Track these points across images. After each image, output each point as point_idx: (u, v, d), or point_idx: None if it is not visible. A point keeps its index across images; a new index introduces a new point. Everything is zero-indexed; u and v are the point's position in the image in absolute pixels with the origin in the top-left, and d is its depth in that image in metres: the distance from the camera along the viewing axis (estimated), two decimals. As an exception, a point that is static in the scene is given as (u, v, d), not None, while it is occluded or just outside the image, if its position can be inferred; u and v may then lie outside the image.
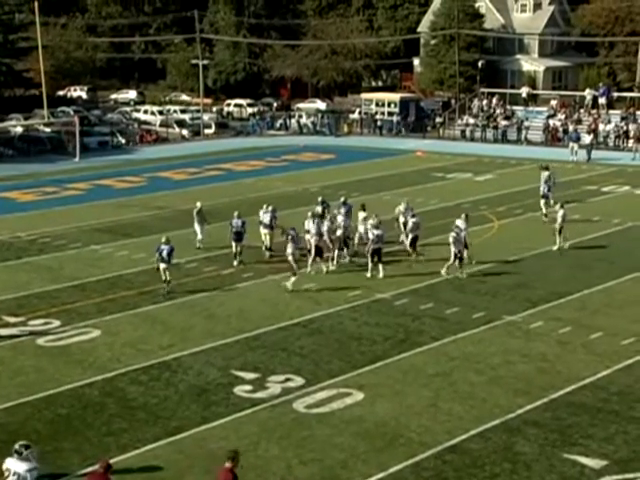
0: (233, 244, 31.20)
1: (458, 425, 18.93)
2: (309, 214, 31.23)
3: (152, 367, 22.25)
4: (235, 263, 31.00)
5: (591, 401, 20.14)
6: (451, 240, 29.06)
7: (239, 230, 31.10)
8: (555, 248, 32.21)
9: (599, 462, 17.40)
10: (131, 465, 17.40)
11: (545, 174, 38.65)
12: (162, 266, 27.69)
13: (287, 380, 21.35)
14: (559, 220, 32.08)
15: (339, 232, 30.76)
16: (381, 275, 28.84)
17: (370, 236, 29.19)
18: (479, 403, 20.07)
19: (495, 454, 17.73)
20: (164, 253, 27.54)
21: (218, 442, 18.26)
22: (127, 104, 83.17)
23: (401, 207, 33.23)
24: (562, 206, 32.62)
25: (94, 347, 23.70)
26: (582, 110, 63.70)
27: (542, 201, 37.28)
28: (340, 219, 31.37)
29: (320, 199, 34.81)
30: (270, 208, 32.33)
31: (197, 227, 33.59)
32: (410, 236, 30.98)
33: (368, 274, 29.09)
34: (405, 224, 32.18)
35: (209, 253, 32.63)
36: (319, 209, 33.15)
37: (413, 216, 31.32)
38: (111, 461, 17.00)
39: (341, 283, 29.07)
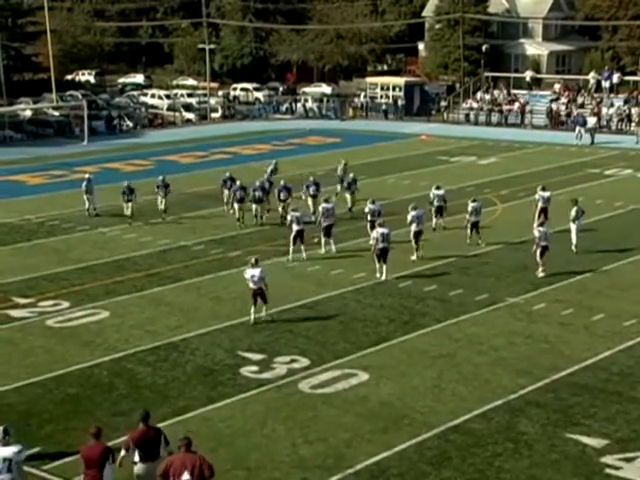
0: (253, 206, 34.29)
1: (461, 405, 18.99)
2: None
3: (159, 348, 22.34)
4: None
5: (593, 382, 20.18)
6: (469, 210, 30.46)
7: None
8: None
9: (600, 441, 17.44)
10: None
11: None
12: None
13: (292, 361, 21.41)
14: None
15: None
16: (383, 277, 27.26)
17: (374, 235, 27.48)
18: (482, 384, 20.12)
19: (498, 434, 17.78)
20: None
21: (225, 421, 18.37)
22: (134, 88, 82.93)
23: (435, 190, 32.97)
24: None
25: (102, 328, 23.80)
26: (585, 94, 63.52)
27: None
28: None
29: (312, 179, 35.80)
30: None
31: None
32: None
33: (377, 275, 27.47)
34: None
35: (215, 236, 32.69)
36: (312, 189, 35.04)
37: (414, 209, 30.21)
38: (120, 440, 17.15)
39: (346, 265, 29.12)
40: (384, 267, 27.20)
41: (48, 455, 15.55)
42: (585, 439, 17.54)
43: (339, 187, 38.53)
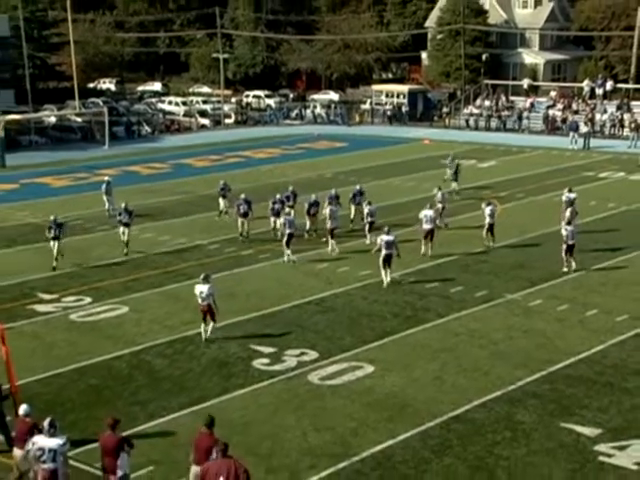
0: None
1: (462, 396, 18.97)
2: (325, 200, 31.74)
3: (176, 341, 22.37)
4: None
5: (587, 374, 20.16)
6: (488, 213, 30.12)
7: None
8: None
9: (594, 430, 17.42)
10: (157, 432, 17.54)
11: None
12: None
13: (302, 354, 21.42)
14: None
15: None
16: (388, 280, 26.52)
17: (378, 241, 26.70)
18: (482, 376, 20.11)
19: (497, 423, 17.77)
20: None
21: (238, 411, 18.38)
22: (152, 95, 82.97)
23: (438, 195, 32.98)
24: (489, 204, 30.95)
25: (122, 323, 23.85)
26: (580, 101, 63.44)
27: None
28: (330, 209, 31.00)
29: (291, 189, 34.45)
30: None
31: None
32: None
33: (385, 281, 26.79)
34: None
35: (228, 236, 32.67)
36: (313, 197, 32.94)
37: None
38: (139, 428, 17.22)
39: (352, 264, 29.11)
40: (388, 272, 26.53)
41: (72, 442, 15.51)
42: (579, 428, 17.51)
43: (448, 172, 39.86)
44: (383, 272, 26.54)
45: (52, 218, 29.20)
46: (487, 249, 30.38)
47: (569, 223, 28.25)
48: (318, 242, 31.13)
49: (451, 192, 38.09)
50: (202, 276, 22.43)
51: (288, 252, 29.03)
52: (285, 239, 29.03)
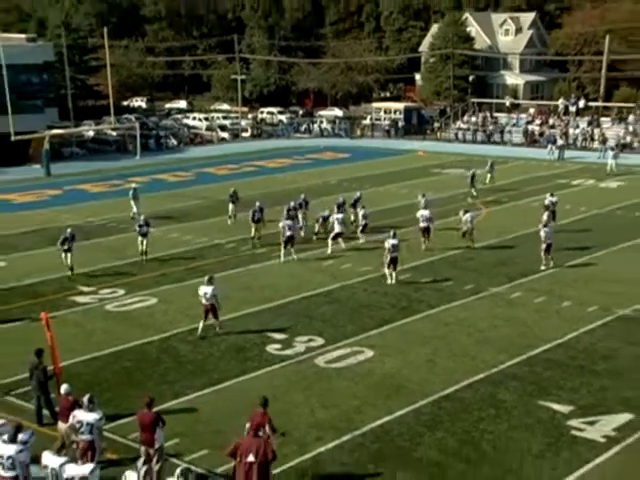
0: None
1: (451, 378, 18.97)
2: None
3: (198, 329, 22.37)
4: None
5: (561, 358, 20.13)
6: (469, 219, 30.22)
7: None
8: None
9: (567, 407, 17.42)
10: (182, 408, 17.58)
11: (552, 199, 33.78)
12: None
13: (310, 340, 21.42)
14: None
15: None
16: (393, 281, 26.06)
17: (387, 245, 26.22)
18: (469, 360, 20.09)
19: (482, 402, 17.76)
20: None
21: (253, 390, 18.38)
22: (178, 112, 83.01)
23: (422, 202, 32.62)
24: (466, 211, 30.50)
25: (152, 312, 23.86)
26: (555, 117, 63.34)
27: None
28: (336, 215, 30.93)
29: (303, 196, 34.07)
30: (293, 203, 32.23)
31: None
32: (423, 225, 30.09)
33: (389, 281, 26.18)
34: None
35: (244, 235, 32.56)
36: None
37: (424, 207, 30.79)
38: (166, 405, 17.24)
39: (353, 261, 29.10)
40: (394, 274, 26.16)
41: (107, 417, 15.55)
42: (555, 406, 17.50)
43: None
44: (388, 272, 26.17)
45: (68, 231, 27.82)
46: (469, 249, 30.29)
47: (546, 225, 28.19)
48: (325, 243, 31.04)
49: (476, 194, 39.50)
50: (206, 278, 21.85)
51: (285, 251, 28.78)
52: (284, 240, 28.83)
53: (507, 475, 14.96)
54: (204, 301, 21.38)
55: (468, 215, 30.50)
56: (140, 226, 29.30)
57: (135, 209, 36.32)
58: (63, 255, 27.44)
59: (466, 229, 30.45)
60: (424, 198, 33.06)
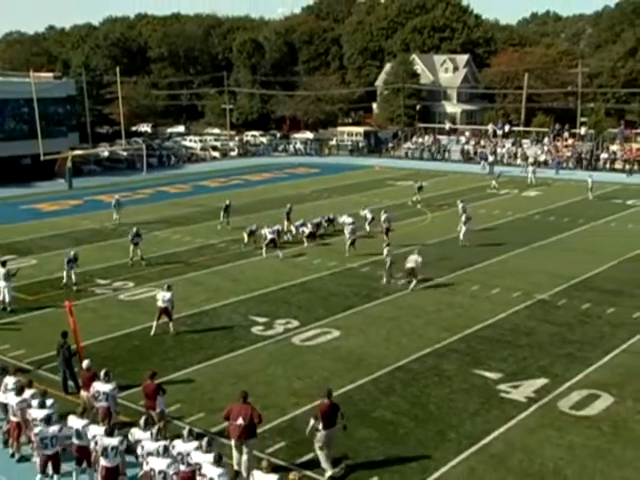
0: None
1: (403, 352, 19.03)
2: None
3: (195, 314, 22.27)
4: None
5: (492, 335, 20.27)
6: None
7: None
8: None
9: (497, 375, 17.55)
10: (182, 379, 17.48)
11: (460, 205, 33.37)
12: None
13: (287, 323, 21.39)
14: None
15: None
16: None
17: (385, 252, 25.15)
18: (417, 337, 20.16)
19: (428, 371, 17.84)
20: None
21: (241, 365, 18.33)
22: (177, 135, 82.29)
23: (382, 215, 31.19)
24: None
25: (156, 301, 23.60)
26: (486, 138, 63.79)
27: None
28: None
29: (289, 205, 33.41)
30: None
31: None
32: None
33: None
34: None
35: (233, 237, 32.45)
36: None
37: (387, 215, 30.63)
38: (169, 377, 17.12)
39: (324, 257, 29.09)
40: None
41: (120, 387, 15.45)
42: (487, 373, 17.62)
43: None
44: (386, 273, 25.15)
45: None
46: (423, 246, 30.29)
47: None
48: (298, 244, 30.93)
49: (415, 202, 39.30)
50: (166, 286, 20.75)
51: (266, 250, 28.58)
52: (266, 242, 28.67)
53: (449, 430, 15.04)
54: (160, 304, 20.15)
55: (384, 216, 30.52)
56: (132, 236, 27.98)
57: (116, 217, 35.66)
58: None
59: (380, 229, 30.58)
60: (367, 210, 32.88)
